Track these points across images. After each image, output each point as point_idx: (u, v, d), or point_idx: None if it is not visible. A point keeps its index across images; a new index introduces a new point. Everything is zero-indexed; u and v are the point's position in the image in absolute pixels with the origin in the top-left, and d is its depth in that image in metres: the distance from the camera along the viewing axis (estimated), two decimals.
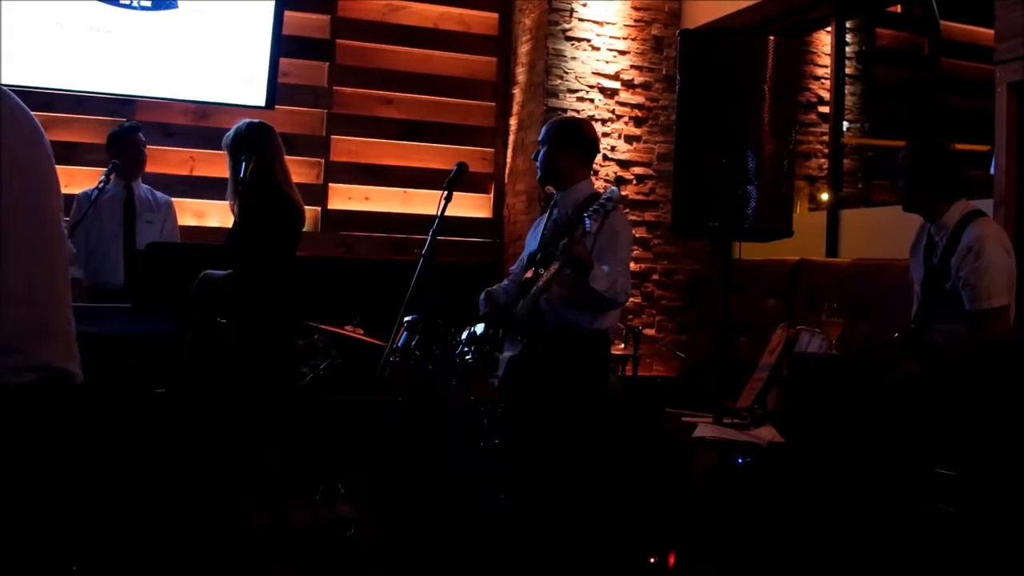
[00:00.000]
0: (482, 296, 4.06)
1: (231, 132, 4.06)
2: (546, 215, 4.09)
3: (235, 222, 4.06)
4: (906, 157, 3.67)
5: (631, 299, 5.41)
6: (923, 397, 3.24)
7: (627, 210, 5.78)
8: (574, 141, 3.94)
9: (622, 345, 4.92)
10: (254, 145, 3.97)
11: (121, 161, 4.69)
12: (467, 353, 3.83)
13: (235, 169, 3.96)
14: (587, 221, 3.53)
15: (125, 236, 4.81)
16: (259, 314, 3.85)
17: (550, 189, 4.10)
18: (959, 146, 5.03)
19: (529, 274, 3.84)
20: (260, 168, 3.95)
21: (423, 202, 6.24)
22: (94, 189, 4.37)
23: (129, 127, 4.99)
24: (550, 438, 3.68)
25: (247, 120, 4.11)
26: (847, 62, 5.68)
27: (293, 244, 4.03)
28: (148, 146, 5.00)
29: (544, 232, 3.99)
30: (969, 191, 3.64)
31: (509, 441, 3.73)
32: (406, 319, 3.86)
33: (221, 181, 5.74)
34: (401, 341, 3.88)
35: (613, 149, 6.05)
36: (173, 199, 5.16)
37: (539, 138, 4.03)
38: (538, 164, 3.99)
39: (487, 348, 3.78)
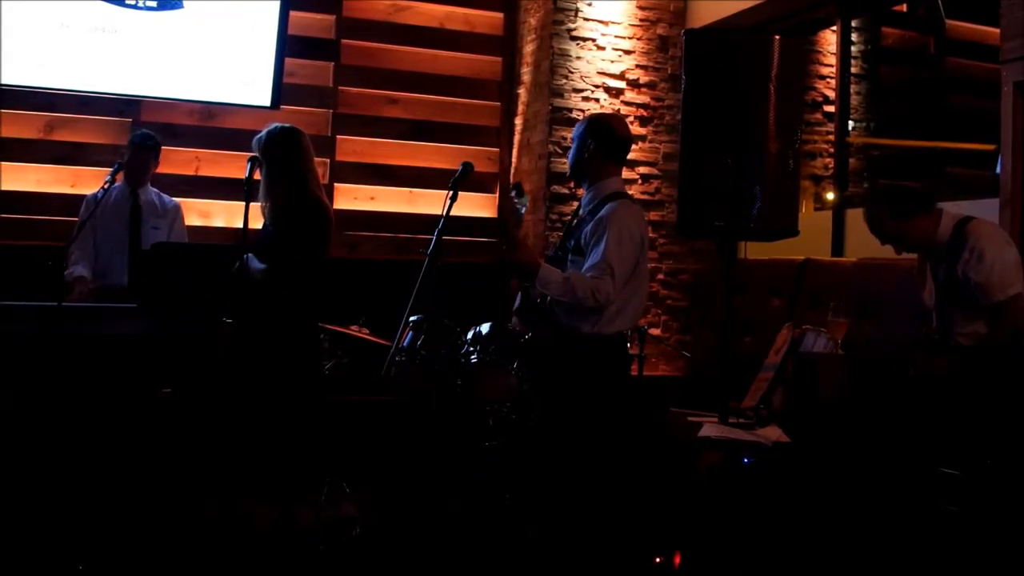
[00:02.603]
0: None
1: (261, 135, 4.06)
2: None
3: (264, 224, 4.11)
4: (869, 221, 3.66)
5: None
6: (950, 390, 3.25)
7: None
8: (596, 138, 3.88)
9: (628, 345, 4.91)
10: (275, 149, 3.98)
11: (125, 165, 4.67)
12: (472, 353, 3.82)
13: (264, 172, 3.96)
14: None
15: (131, 240, 4.80)
16: (259, 314, 3.86)
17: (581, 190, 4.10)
18: (964, 146, 5.04)
19: None
20: (287, 172, 3.99)
21: (428, 202, 6.24)
22: (100, 190, 4.37)
23: (143, 136, 4.96)
24: (552, 440, 3.68)
25: (278, 124, 4.11)
26: (852, 61, 5.67)
27: (320, 246, 4.04)
28: None
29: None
30: (936, 196, 3.60)
31: (514, 441, 3.74)
32: (411, 319, 3.86)
33: (227, 181, 5.79)
34: (407, 341, 3.88)
35: None
36: (178, 199, 5.16)
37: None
38: (568, 162, 4.02)
39: (492, 348, 3.78)
